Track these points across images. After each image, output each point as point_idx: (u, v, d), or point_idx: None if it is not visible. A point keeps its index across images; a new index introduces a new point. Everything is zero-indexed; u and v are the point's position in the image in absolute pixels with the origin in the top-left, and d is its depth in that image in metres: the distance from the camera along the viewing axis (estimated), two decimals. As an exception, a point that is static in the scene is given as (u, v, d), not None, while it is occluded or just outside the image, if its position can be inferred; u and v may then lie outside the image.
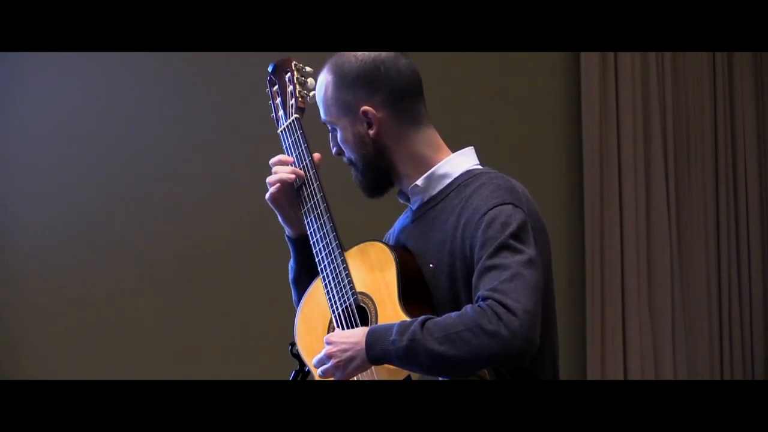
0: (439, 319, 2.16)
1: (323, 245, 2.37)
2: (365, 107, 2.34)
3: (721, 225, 4.88)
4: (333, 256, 2.35)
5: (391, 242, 2.43)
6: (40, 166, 4.18)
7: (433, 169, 2.36)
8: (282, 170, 2.44)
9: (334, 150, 2.43)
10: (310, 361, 2.34)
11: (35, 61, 4.14)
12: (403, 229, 2.41)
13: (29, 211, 4.16)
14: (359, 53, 2.37)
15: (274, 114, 2.53)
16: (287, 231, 2.49)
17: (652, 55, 4.77)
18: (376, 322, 2.27)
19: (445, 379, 2.18)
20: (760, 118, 4.98)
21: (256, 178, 2.65)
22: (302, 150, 2.45)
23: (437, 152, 2.38)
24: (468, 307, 2.15)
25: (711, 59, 4.91)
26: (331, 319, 2.35)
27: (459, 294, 2.25)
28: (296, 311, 2.46)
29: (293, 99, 2.50)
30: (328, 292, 2.35)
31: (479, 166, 2.39)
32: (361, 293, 2.32)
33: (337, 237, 2.36)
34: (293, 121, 2.48)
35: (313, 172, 2.42)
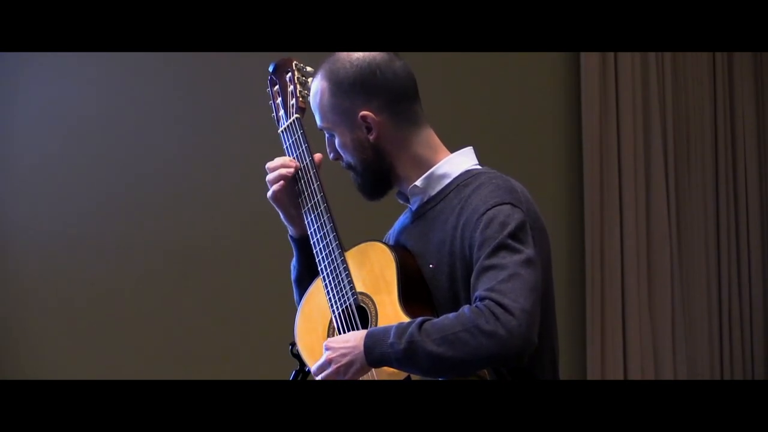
0: (436, 320, 2.16)
1: (323, 245, 2.37)
2: (363, 112, 2.34)
3: (721, 225, 4.88)
4: (333, 256, 2.35)
5: (391, 242, 2.43)
6: (40, 166, 4.17)
7: (432, 170, 2.36)
8: (281, 168, 2.44)
9: (331, 155, 2.42)
10: (311, 361, 2.34)
11: (35, 61, 4.14)
12: (403, 230, 2.41)
13: (29, 212, 4.16)
14: (353, 56, 2.36)
15: (274, 114, 2.53)
16: (290, 230, 2.49)
17: (652, 55, 4.76)
18: (376, 323, 2.27)
19: (445, 379, 2.18)
20: (760, 118, 4.97)
21: (257, 178, 2.64)
22: (303, 150, 2.45)
23: (436, 153, 2.38)
24: (465, 308, 2.14)
25: (711, 59, 4.91)
26: (331, 319, 2.35)
27: (459, 294, 2.25)
28: (297, 311, 2.46)
29: (294, 99, 2.49)
30: (328, 292, 2.35)
31: (478, 166, 2.38)
32: (361, 293, 2.32)
33: (337, 237, 2.36)
34: (294, 121, 2.48)
35: (314, 172, 2.42)
